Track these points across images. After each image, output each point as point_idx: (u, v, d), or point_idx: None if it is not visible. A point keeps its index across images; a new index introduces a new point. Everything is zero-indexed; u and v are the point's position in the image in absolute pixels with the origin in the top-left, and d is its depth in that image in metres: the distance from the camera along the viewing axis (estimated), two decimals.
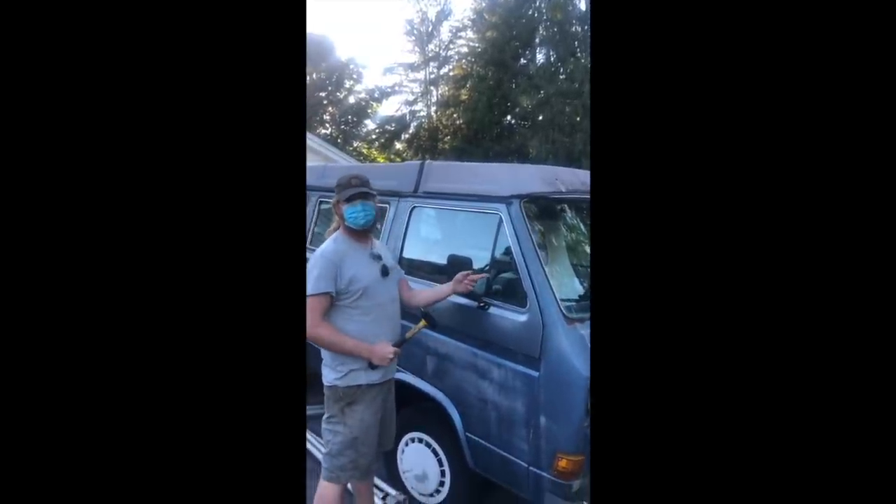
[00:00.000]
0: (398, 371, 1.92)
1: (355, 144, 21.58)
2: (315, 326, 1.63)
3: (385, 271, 1.78)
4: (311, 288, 1.64)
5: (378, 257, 1.80)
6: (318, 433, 2.68)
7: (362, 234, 1.78)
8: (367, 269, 1.73)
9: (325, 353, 1.74)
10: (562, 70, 17.49)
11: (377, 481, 2.30)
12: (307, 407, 2.87)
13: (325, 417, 1.76)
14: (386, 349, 1.67)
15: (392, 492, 2.31)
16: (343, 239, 1.75)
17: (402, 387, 2.00)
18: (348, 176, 1.76)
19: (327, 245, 1.73)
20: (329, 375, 1.72)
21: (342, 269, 1.66)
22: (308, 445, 2.74)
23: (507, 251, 1.91)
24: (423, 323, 1.81)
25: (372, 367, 1.71)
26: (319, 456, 2.61)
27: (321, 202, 3.08)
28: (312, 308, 1.63)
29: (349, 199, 1.71)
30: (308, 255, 2.90)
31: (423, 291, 1.95)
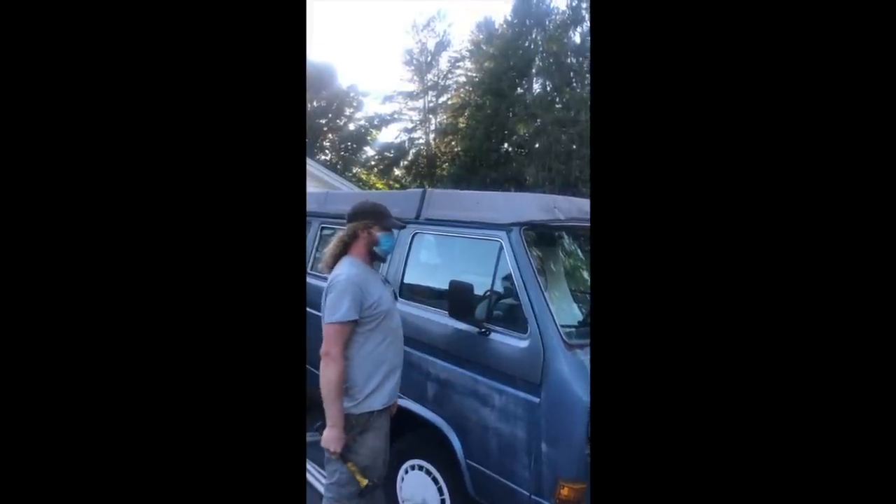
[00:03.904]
0: (399, 397, 1.92)
1: (355, 170, 21.85)
2: (336, 359, 1.62)
3: (395, 296, 1.82)
4: (341, 315, 1.63)
5: (387, 282, 1.84)
6: (314, 460, 2.66)
7: (374, 260, 1.82)
8: (385, 294, 1.76)
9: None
10: (558, 99, 17.90)
11: None
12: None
13: None
14: (335, 436, 1.63)
15: None
16: (359, 263, 1.77)
17: (402, 413, 2.00)
18: (378, 204, 1.83)
19: (349, 270, 1.72)
20: (343, 403, 1.70)
21: (367, 293, 1.68)
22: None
23: (508, 277, 1.94)
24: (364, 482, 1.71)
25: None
26: (316, 484, 2.59)
27: (323, 228, 3.12)
28: (339, 334, 1.63)
29: (387, 228, 1.78)
30: (311, 280, 2.93)
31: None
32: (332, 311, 1.64)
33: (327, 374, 1.62)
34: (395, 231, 1.81)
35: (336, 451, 1.64)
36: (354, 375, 1.70)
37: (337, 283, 1.68)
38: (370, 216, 1.79)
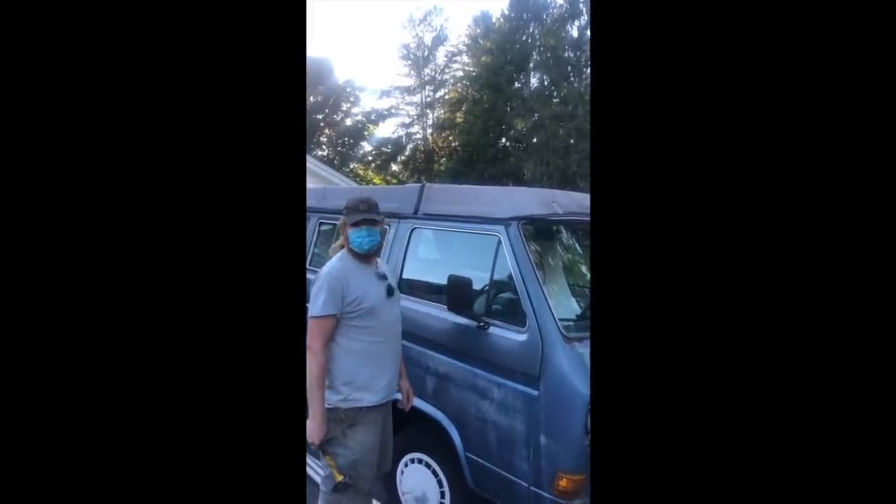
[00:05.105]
0: (397, 392, 1.93)
1: (352, 166, 21.80)
2: (316, 353, 1.64)
3: (390, 291, 1.80)
4: (317, 310, 1.65)
5: (384, 277, 1.82)
6: (315, 456, 2.67)
7: (367, 255, 1.80)
8: (373, 289, 1.75)
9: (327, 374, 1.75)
10: (555, 94, 17.88)
11: None
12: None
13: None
14: (314, 427, 1.66)
15: None
16: (349, 258, 1.77)
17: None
18: (357, 199, 1.77)
19: (333, 264, 1.74)
20: (330, 397, 1.72)
21: (348, 287, 1.68)
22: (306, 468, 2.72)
23: (506, 272, 1.94)
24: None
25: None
26: (316, 478, 2.60)
27: (321, 223, 3.12)
28: (318, 328, 1.65)
29: (355, 224, 1.72)
30: (308, 276, 2.93)
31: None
32: (312, 305, 1.68)
33: (308, 367, 1.65)
34: (377, 226, 1.75)
35: (314, 442, 1.66)
36: (337, 369, 1.71)
37: (317, 278, 1.71)
38: (345, 212, 1.78)
